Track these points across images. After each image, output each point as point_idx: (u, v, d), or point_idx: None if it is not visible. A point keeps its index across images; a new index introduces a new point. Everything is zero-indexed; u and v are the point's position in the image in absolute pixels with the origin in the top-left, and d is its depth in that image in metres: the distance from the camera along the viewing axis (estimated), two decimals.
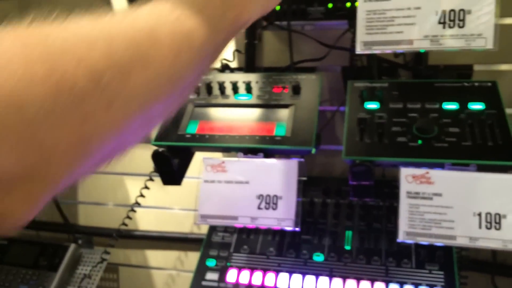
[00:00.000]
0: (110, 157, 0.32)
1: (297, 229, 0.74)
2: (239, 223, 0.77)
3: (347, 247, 0.93)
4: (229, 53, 1.11)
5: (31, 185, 0.26)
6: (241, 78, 0.91)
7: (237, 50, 1.08)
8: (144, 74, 0.30)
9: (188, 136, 0.83)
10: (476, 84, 0.80)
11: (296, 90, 0.87)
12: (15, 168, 0.24)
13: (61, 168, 0.27)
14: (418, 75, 0.95)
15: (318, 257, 0.91)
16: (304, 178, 0.77)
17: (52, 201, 1.33)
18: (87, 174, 0.31)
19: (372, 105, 0.81)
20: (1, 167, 0.24)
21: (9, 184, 0.25)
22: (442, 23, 0.65)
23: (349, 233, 0.94)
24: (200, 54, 0.35)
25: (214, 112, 0.87)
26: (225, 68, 1.06)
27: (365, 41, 0.69)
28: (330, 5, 0.99)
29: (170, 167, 0.84)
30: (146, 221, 1.38)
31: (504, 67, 1.02)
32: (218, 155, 1.07)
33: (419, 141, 0.73)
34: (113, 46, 0.29)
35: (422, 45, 0.66)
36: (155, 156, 0.82)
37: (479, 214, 0.67)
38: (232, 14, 0.40)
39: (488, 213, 0.67)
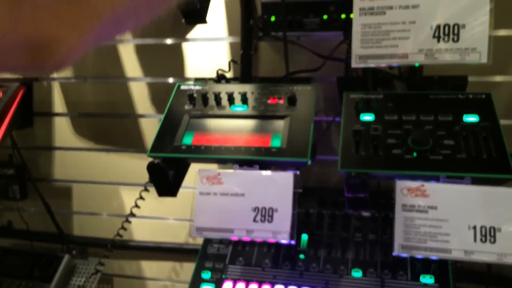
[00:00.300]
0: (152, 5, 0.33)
1: (292, 242, 0.74)
2: (234, 236, 0.76)
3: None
4: (225, 64, 1.12)
5: (77, 10, 0.27)
6: (237, 89, 0.91)
7: (233, 61, 1.08)
8: None
9: (183, 147, 0.83)
10: (471, 96, 0.80)
11: (292, 101, 0.87)
12: None
13: None
14: (413, 87, 0.95)
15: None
16: (300, 190, 0.77)
17: (46, 211, 1.32)
18: (132, 23, 0.32)
19: (367, 117, 0.81)
20: None
21: (55, 5, 0.26)
22: (437, 37, 0.66)
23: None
24: None
25: (210, 123, 0.87)
26: (220, 78, 1.06)
27: (360, 54, 0.69)
28: (325, 16, 1.00)
29: (166, 178, 0.83)
30: (141, 231, 1.37)
31: (498, 78, 1.03)
32: (213, 166, 1.07)
33: (414, 154, 0.74)
34: None
35: (417, 59, 0.66)
36: (151, 168, 0.82)
37: (474, 227, 0.67)
38: None
39: (483, 226, 0.67)
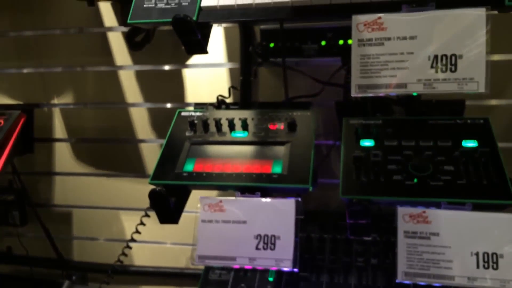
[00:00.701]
0: None
1: (295, 269, 0.74)
2: (237, 264, 0.76)
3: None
4: (224, 88, 1.13)
5: None
6: (237, 115, 0.92)
7: (232, 87, 1.10)
8: None
9: (185, 174, 0.83)
10: (469, 121, 0.82)
11: (292, 127, 0.88)
12: None
13: None
14: (411, 111, 0.96)
15: None
16: (302, 217, 0.77)
17: (46, 236, 1.31)
18: None
19: (367, 143, 0.82)
20: None
21: None
22: (435, 67, 0.67)
23: None
24: None
25: (211, 149, 0.87)
26: (221, 103, 1.07)
27: (359, 84, 0.70)
28: (323, 43, 1.02)
29: (168, 206, 0.83)
30: (141, 256, 1.37)
31: (494, 102, 1.04)
32: (214, 192, 1.07)
33: (415, 180, 0.74)
34: None
35: (415, 89, 0.68)
36: (153, 196, 0.82)
37: (477, 254, 0.68)
38: None
39: (485, 253, 0.67)
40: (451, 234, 0.69)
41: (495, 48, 0.95)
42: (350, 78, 0.75)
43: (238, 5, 0.77)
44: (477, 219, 0.69)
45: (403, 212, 0.72)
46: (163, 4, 0.80)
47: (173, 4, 0.79)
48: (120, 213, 1.37)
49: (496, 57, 1.00)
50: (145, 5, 0.81)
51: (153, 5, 0.80)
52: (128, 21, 0.81)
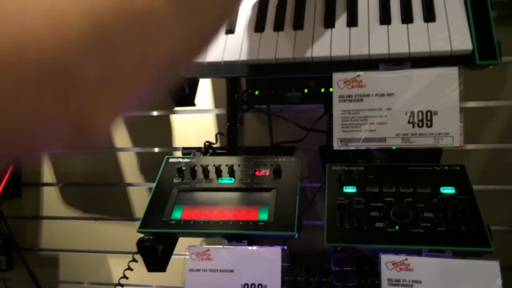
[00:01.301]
0: (166, 72, 0.36)
1: None
2: None
3: None
4: (211, 133, 1.16)
5: (111, 92, 0.30)
6: (224, 161, 0.94)
7: (219, 133, 1.13)
8: None
9: (173, 222, 0.84)
10: (446, 168, 0.85)
11: (277, 173, 0.90)
12: (98, 76, 0.29)
13: (131, 80, 0.32)
14: (391, 156, 1.00)
15: None
16: (288, 264, 0.79)
17: (32, 281, 1.30)
18: (149, 98, 0.35)
19: (350, 190, 0.84)
20: (88, 74, 0.29)
21: (95, 88, 0.29)
22: (412, 122, 0.71)
23: None
24: None
25: (199, 196, 0.89)
26: (208, 149, 1.10)
27: (341, 138, 0.74)
28: (306, 90, 1.06)
29: (155, 254, 0.85)
30: None
31: (470, 146, 1.09)
32: (201, 239, 1.08)
33: (397, 227, 0.77)
34: None
35: (394, 143, 0.71)
36: (141, 245, 0.83)
37: None
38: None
39: None
40: (433, 281, 0.71)
41: (470, 95, 1.00)
42: (332, 124, 0.79)
43: (224, 61, 0.80)
44: (457, 267, 0.71)
45: (386, 259, 0.74)
46: None
47: None
48: (108, 256, 1.36)
49: (471, 104, 1.05)
50: None
51: None
52: None
